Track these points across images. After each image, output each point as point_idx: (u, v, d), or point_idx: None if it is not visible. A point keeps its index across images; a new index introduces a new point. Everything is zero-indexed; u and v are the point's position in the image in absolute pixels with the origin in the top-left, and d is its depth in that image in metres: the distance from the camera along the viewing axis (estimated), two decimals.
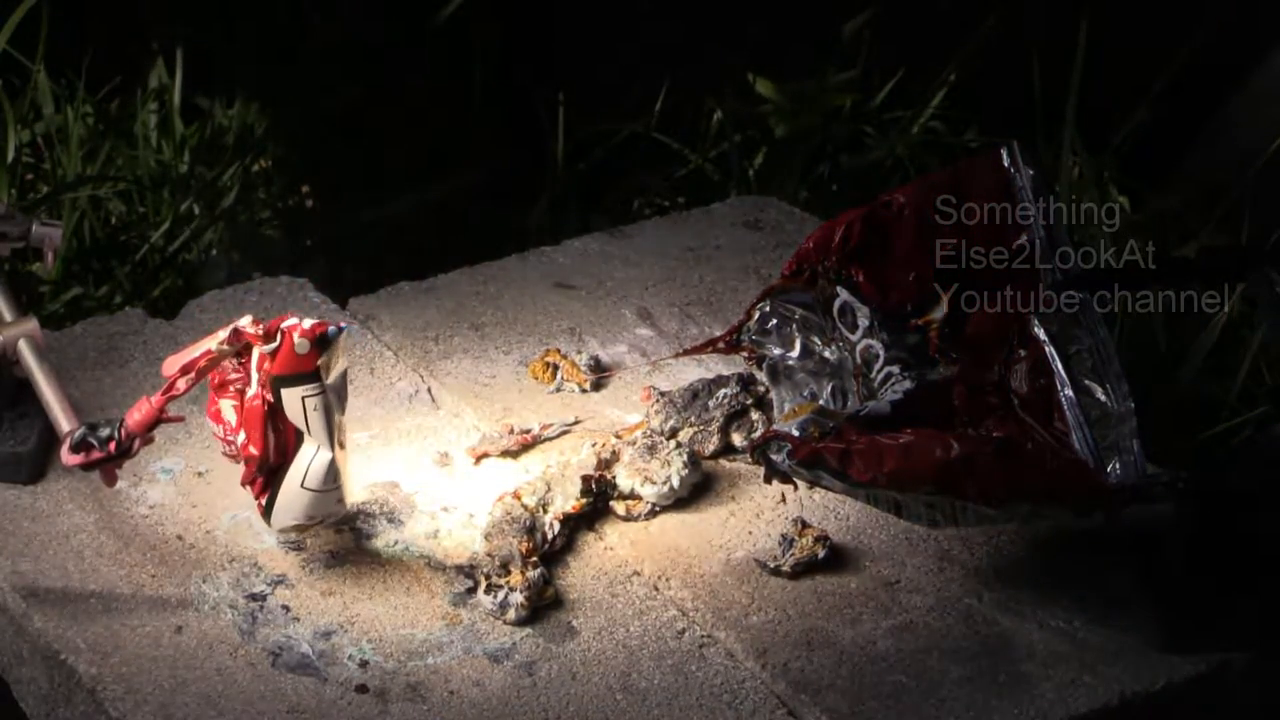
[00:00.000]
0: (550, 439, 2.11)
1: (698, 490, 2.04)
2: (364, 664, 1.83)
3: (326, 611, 1.89)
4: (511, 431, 2.10)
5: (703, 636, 1.89)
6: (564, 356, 2.20)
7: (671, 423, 2.09)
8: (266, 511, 1.90)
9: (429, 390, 2.18)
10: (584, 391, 2.18)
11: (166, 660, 1.82)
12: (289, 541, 1.95)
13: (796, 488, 1.98)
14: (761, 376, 2.11)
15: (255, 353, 1.87)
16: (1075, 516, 1.90)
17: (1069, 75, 2.81)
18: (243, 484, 1.91)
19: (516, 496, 1.98)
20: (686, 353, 2.19)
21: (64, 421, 1.89)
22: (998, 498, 1.84)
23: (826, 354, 2.06)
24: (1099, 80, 2.83)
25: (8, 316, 1.98)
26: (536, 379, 2.19)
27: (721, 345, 2.13)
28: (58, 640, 1.84)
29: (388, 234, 2.78)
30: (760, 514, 2.02)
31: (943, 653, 1.87)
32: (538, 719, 1.79)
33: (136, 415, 1.87)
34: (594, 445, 2.04)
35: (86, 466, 1.88)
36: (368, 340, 2.24)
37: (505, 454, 2.08)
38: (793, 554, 1.95)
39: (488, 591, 1.89)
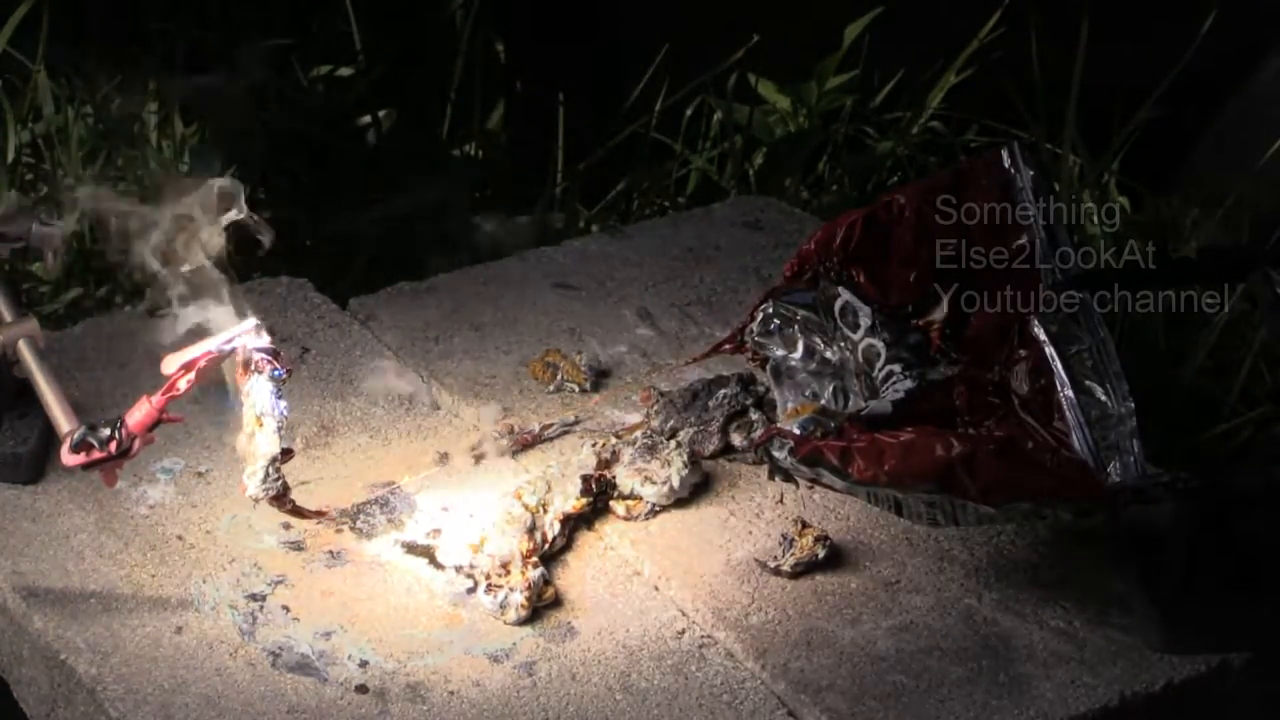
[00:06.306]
0: (550, 439, 2.11)
1: (698, 490, 2.04)
2: (364, 664, 1.83)
3: (326, 611, 1.89)
4: (511, 431, 2.10)
5: (703, 636, 1.89)
6: (564, 356, 2.20)
7: (671, 423, 2.09)
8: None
9: (429, 390, 2.18)
10: (584, 391, 2.18)
11: (166, 660, 1.82)
12: (288, 541, 1.96)
13: (798, 486, 1.98)
14: (764, 377, 2.11)
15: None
16: (1075, 516, 1.90)
17: (1069, 75, 2.81)
18: None
19: (517, 496, 1.98)
20: (695, 360, 2.19)
21: (64, 421, 1.89)
22: (998, 497, 1.84)
23: (828, 354, 2.06)
24: (1099, 80, 2.83)
25: (8, 316, 1.98)
26: (536, 379, 2.19)
27: (728, 348, 2.13)
28: (58, 640, 1.84)
29: (387, 234, 2.77)
30: (760, 514, 2.02)
31: (943, 653, 1.87)
32: (538, 719, 1.79)
33: (136, 415, 1.87)
34: (594, 445, 2.04)
35: (86, 466, 1.88)
36: (368, 340, 2.24)
37: (505, 454, 2.08)
38: (793, 554, 1.95)
39: (488, 591, 1.89)
